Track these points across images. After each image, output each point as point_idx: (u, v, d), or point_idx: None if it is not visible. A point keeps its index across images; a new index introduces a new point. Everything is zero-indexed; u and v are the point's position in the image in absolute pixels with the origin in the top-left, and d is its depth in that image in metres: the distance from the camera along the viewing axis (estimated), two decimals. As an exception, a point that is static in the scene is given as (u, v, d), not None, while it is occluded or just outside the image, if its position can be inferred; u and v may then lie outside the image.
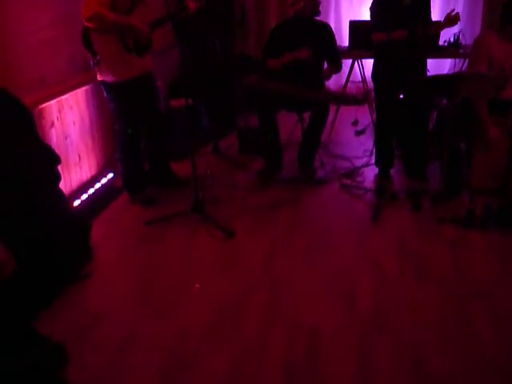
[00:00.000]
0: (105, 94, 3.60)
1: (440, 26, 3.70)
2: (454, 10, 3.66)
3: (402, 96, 3.95)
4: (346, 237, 3.28)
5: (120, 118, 3.65)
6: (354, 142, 5.02)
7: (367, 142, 4.90)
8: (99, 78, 3.49)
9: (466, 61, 5.20)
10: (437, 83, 3.12)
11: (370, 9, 3.74)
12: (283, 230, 3.40)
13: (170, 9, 3.27)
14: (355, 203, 3.76)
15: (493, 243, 3.14)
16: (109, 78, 3.45)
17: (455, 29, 5.64)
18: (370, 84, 5.76)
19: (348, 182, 4.02)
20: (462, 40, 5.00)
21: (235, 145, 4.84)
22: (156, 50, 3.68)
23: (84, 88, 3.88)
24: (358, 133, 5.20)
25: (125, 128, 3.66)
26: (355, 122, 5.47)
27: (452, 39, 5.01)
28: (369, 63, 5.72)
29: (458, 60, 5.41)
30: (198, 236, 3.34)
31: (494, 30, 3.60)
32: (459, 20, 3.60)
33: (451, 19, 3.58)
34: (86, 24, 3.22)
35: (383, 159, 4.08)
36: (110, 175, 4.13)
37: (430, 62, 5.62)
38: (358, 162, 4.40)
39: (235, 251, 3.16)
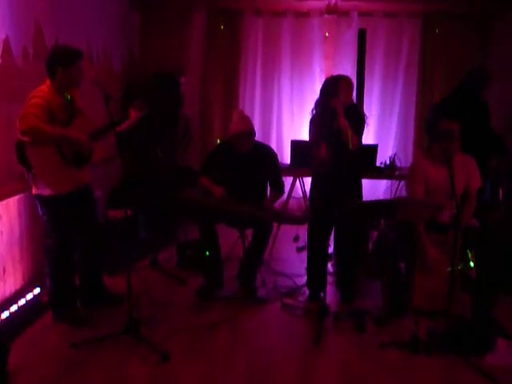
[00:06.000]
0: (39, 208, 3.43)
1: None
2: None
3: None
4: (288, 363, 3.10)
5: (54, 232, 3.45)
6: (295, 258, 4.97)
7: None
8: (34, 191, 3.33)
9: (402, 182, 5.47)
10: (373, 208, 3.18)
11: (309, 131, 3.85)
12: (222, 353, 3.19)
13: (112, 118, 3.23)
14: (297, 324, 3.64)
15: (437, 368, 3.05)
16: (45, 192, 3.29)
17: (390, 151, 6.03)
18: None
19: (290, 301, 3.91)
20: (397, 162, 5.24)
21: (174, 258, 4.68)
22: (97, 161, 3.60)
23: (17, 197, 3.71)
24: (300, 249, 5.18)
25: (58, 242, 3.46)
26: (296, 238, 5.47)
27: (388, 161, 5.25)
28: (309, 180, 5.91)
29: (392, 181, 5.67)
30: (130, 361, 3.06)
31: (424, 154, 3.76)
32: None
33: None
34: (21, 138, 3.11)
35: (313, 281, 4.01)
36: (37, 290, 3.83)
37: (367, 183, 5.89)
38: (300, 280, 4.32)
39: (170, 378, 2.91)
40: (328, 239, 3.76)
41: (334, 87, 3.66)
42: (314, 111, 3.82)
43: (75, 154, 3.34)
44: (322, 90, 3.77)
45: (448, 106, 4.36)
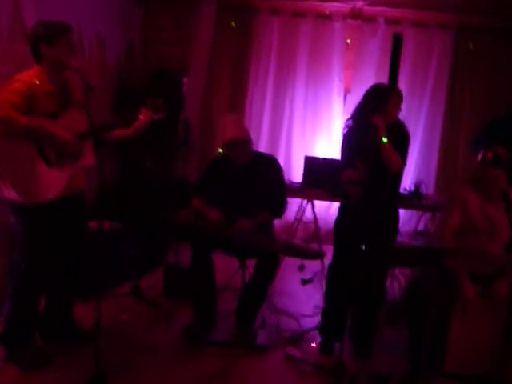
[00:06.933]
0: (11, 216, 2.79)
1: None
2: None
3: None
4: None
5: (29, 248, 2.81)
6: (300, 293, 4.30)
7: (316, 295, 4.21)
8: (5, 194, 2.67)
9: (425, 215, 4.85)
10: (424, 254, 2.52)
11: (342, 147, 3.21)
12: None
13: (89, 111, 2.59)
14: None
15: None
16: (16, 197, 2.65)
17: (409, 177, 5.37)
18: (324, 225, 5.24)
19: (295, 352, 3.22)
20: (422, 189, 4.59)
21: (159, 285, 3.98)
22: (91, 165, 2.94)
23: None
24: (305, 282, 4.51)
25: (33, 261, 2.81)
26: (301, 267, 4.80)
27: (412, 187, 4.58)
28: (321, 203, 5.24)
29: (413, 212, 5.03)
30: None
31: (470, 182, 3.13)
32: None
33: None
34: None
35: (329, 329, 3.32)
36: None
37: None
38: (306, 322, 3.65)
39: None
40: (355, 281, 3.09)
41: (383, 100, 3.02)
42: (351, 123, 3.17)
43: (59, 156, 2.73)
44: (366, 100, 3.12)
45: (502, 127, 3.73)
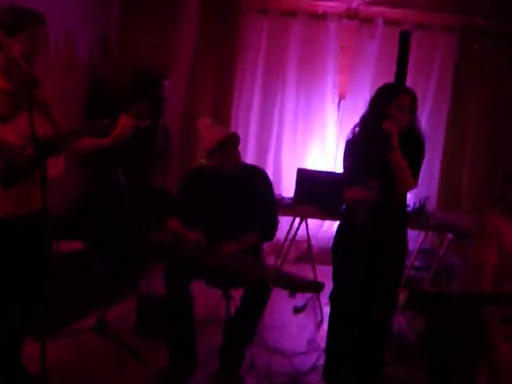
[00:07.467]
0: None
1: None
2: None
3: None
4: None
5: None
6: (292, 323, 3.80)
7: (309, 325, 3.76)
8: None
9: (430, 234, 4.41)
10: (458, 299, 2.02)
11: (346, 156, 2.73)
12: None
13: (31, 109, 2.08)
14: None
15: None
16: None
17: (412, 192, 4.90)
18: (316, 244, 4.78)
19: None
20: (428, 207, 4.12)
21: (130, 317, 3.43)
22: (53, 178, 2.41)
23: None
24: (297, 310, 4.01)
25: None
26: (292, 293, 4.27)
27: (417, 204, 4.09)
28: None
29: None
30: None
31: (498, 207, 2.66)
32: None
33: None
34: None
35: (337, 368, 2.80)
36: None
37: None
38: (301, 361, 3.13)
39: None
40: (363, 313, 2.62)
41: (385, 101, 2.53)
42: (358, 129, 2.68)
43: (6, 166, 2.24)
44: (373, 104, 2.64)
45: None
